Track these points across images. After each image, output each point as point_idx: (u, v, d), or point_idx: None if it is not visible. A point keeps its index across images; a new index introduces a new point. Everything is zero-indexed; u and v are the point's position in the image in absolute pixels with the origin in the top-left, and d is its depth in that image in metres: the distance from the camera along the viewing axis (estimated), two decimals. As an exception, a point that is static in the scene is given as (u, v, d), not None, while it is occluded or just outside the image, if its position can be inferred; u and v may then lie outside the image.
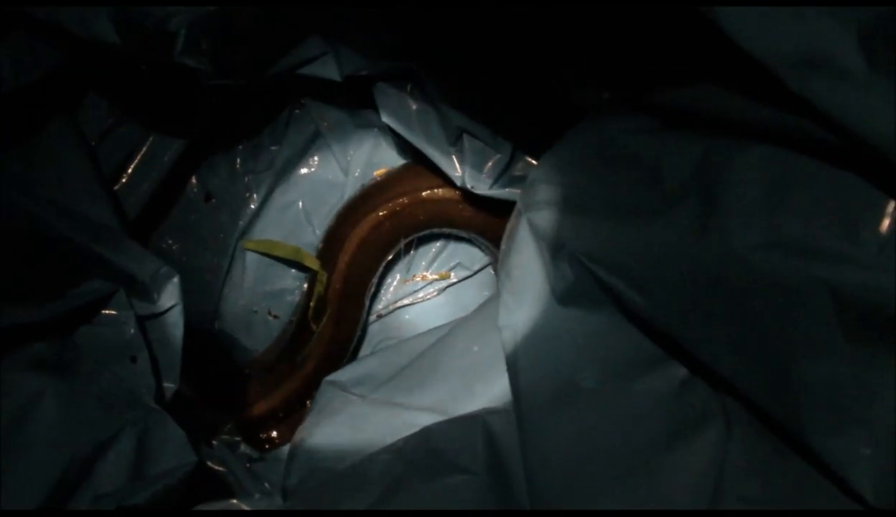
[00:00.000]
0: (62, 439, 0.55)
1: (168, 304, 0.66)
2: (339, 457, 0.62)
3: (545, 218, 0.57)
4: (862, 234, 0.37)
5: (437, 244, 0.98)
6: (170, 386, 0.66)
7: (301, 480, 0.61)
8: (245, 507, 0.57)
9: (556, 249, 0.55)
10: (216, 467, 0.72)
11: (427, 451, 0.57)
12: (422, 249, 0.98)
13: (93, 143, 0.76)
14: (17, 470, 0.53)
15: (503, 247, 0.62)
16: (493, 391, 0.61)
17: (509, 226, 0.62)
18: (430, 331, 0.76)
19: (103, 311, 0.64)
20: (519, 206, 0.60)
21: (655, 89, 0.51)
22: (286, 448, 0.87)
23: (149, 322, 0.66)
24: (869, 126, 0.34)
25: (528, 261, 0.57)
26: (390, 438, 0.62)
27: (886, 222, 0.36)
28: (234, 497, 0.59)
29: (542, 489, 0.51)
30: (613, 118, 0.54)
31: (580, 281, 0.53)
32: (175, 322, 0.66)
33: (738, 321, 0.43)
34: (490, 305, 0.65)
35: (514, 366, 0.56)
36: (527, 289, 0.57)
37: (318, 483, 0.59)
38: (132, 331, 0.64)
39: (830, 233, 0.38)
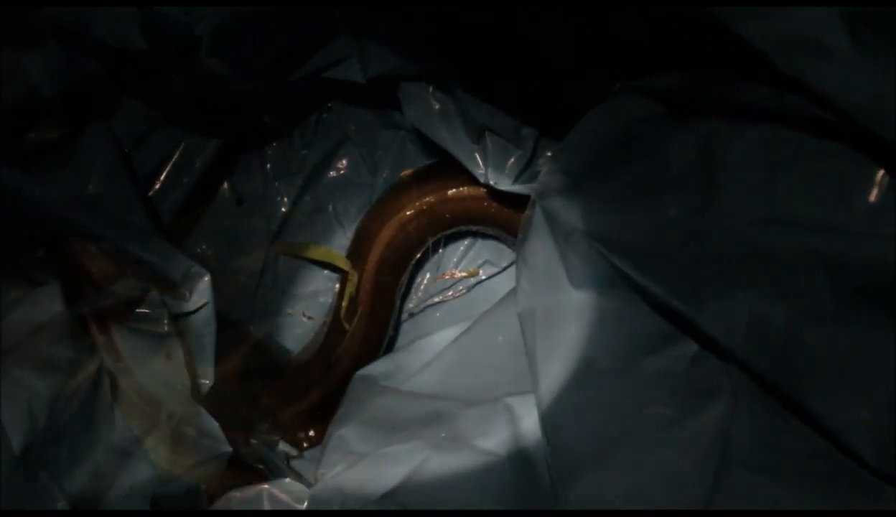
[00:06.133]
0: (99, 431, 0.57)
1: (200, 302, 0.67)
2: (368, 444, 0.63)
3: (558, 205, 0.58)
4: (853, 204, 0.38)
5: (466, 242, 0.99)
6: (204, 382, 0.68)
7: (331, 466, 0.62)
8: (275, 491, 0.59)
9: (568, 235, 0.56)
10: (256, 465, 0.74)
11: (450, 435, 0.59)
12: (450, 247, 0.99)
13: (127, 150, 0.78)
14: (56, 458, 0.55)
15: (519, 235, 0.64)
16: (515, 377, 0.62)
17: (525, 215, 0.63)
18: (457, 325, 0.77)
19: (138, 309, 0.66)
20: (533, 195, 0.62)
21: (661, 77, 0.52)
22: (324, 444, 0.89)
23: (182, 319, 0.68)
24: (854, 102, 0.35)
25: (542, 248, 0.59)
26: (418, 425, 0.63)
27: (875, 191, 0.37)
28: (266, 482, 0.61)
29: (562, 465, 0.52)
30: (621, 107, 0.56)
31: (593, 264, 0.54)
32: (207, 319, 0.68)
33: (740, 294, 0.44)
34: (512, 297, 0.66)
35: (532, 349, 0.57)
36: (542, 274, 0.58)
37: (346, 467, 0.61)
38: (165, 328, 0.66)
39: (823, 205, 0.39)
